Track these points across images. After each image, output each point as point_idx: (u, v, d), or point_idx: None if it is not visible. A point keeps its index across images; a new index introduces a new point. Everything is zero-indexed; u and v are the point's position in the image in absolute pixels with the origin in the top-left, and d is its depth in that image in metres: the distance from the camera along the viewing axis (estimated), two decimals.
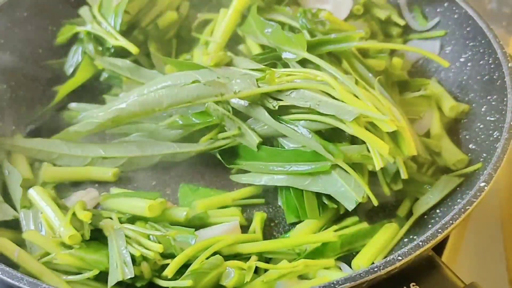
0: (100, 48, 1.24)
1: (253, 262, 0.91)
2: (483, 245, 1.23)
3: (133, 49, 1.18)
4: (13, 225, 1.01)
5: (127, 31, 1.24)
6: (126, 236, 0.93)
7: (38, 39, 1.31)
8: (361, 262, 0.94)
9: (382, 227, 1.00)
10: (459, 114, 1.17)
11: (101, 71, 1.25)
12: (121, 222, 0.97)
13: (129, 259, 0.89)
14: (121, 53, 1.22)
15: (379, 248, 0.97)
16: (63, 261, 0.91)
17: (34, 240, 0.95)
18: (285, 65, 1.10)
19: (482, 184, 0.92)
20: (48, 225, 0.97)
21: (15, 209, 1.02)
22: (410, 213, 1.04)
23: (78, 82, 1.25)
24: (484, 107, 1.12)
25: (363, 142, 0.96)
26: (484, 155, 1.03)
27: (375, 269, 0.82)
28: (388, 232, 0.99)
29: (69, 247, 0.93)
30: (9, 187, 1.06)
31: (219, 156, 1.08)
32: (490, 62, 1.13)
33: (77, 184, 1.12)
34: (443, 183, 1.02)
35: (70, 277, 0.92)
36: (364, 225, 1.02)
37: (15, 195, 1.03)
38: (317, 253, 0.95)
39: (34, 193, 1.02)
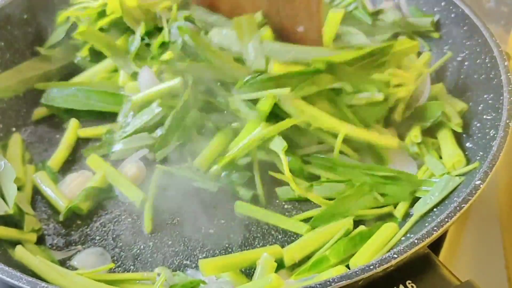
0: None
1: None
2: (482, 243, 1.23)
3: None
4: (8, 221, 1.02)
5: None
6: None
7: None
8: (359, 261, 0.94)
9: (381, 227, 1.00)
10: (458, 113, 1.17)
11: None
12: None
13: None
14: None
15: (377, 248, 0.97)
16: None
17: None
18: None
19: (478, 182, 0.93)
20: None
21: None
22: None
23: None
24: (481, 105, 1.12)
25: None
26: (481, 153, 1.04)
27: (371, 266, 0.82)
28: (387, 232, 0.99)
29: None
30: (1, 181, 1.05)
31: None
32: (486, 61, 1.14)
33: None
34: (444, 183, 1.02)
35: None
36: (362, 228, 1.02)
37: (8, 190, 1.03)
38: (320, 261, 0.94)
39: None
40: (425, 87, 1.18)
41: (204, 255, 1.01)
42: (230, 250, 1.02)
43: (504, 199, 1.26)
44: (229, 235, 1.04)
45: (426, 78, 1.19)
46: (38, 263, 0.94)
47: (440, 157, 1.11)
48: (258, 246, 1.03)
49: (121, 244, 1.04)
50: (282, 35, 1.14)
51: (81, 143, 1.21)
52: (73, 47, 1.34)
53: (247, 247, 1.03)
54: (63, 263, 1.00)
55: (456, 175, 1.03)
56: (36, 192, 1.12)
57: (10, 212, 1.01)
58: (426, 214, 1.02)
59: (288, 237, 1.04)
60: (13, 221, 1.03)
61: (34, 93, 1.28)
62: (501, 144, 0.97)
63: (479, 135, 1.09)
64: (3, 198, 1.03)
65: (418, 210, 1.02)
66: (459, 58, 1.23)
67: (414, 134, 1.12)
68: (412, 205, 1.05)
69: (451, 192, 1.01)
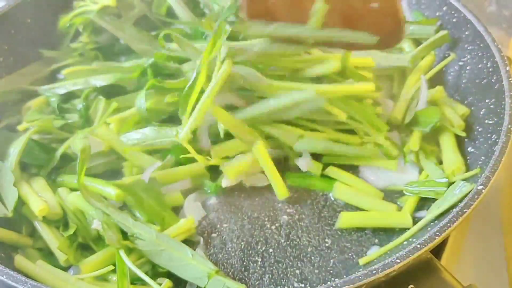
0: None
1: None
2: (484, 248, 1.23)
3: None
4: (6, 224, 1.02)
5: None
6: None
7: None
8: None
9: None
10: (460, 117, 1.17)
11: None
12: None
13: None
14: None
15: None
16: None
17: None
18: None
19: (480, 187, 0.93)
20: None
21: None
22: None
23: None
24: (483, 110, 1.13)
25: None
26: (483, 158, 1.04)
27: (374, 271, 0.83)
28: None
29: None
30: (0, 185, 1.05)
31: None
32: (488, 65, 1.14)
33: None
34: (453, 189, 1.00)
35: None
36: None
37: (8, 194, 1.03)
38: None
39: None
40: (421, 92, 1.18)
41: None
42: None
43: (506, 204, 1.27)
44: None
45: (422, 83, 1.19)
46: (38, 270, 0.94)
47: (441, 162, 1.12)
48: None
49: None
50: (351, 20, 1.01)
51: None
52: (75, 50, 1.35)
53: None
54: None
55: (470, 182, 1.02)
56: None
57: (10, 216, 1.01)
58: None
59: None
60: (13, 224, 1.03)
61: (37, 96, 1.27)
62: (503, 149, 0.98)
63: (481, 139, 1.09)
64: (2, 202, 1.03)
65: (431, 213, 1.00)
66: (461, 63, 1.23)
67: (413, 143, 1.12)
68: (416, 209, 1.06)
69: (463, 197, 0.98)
